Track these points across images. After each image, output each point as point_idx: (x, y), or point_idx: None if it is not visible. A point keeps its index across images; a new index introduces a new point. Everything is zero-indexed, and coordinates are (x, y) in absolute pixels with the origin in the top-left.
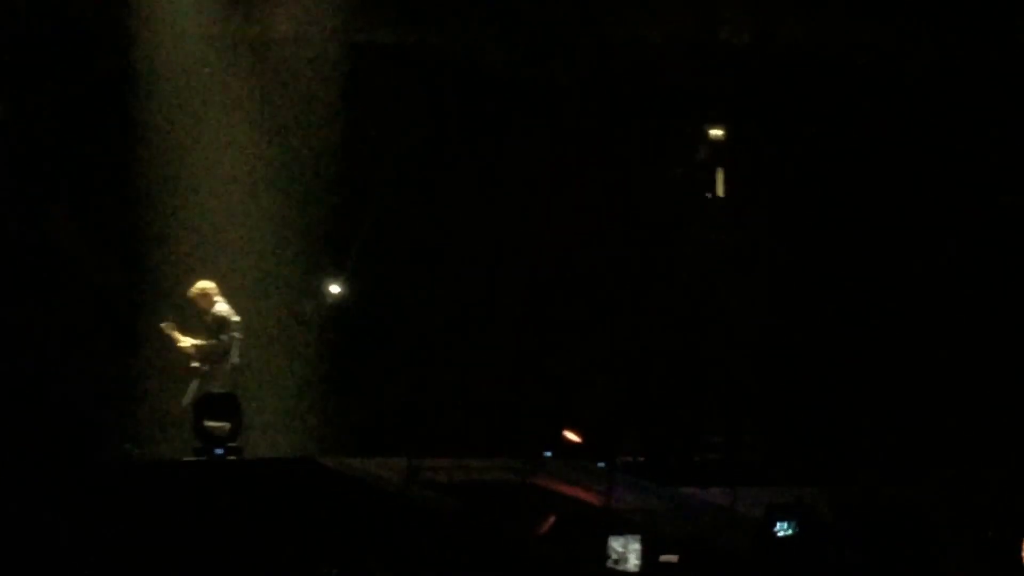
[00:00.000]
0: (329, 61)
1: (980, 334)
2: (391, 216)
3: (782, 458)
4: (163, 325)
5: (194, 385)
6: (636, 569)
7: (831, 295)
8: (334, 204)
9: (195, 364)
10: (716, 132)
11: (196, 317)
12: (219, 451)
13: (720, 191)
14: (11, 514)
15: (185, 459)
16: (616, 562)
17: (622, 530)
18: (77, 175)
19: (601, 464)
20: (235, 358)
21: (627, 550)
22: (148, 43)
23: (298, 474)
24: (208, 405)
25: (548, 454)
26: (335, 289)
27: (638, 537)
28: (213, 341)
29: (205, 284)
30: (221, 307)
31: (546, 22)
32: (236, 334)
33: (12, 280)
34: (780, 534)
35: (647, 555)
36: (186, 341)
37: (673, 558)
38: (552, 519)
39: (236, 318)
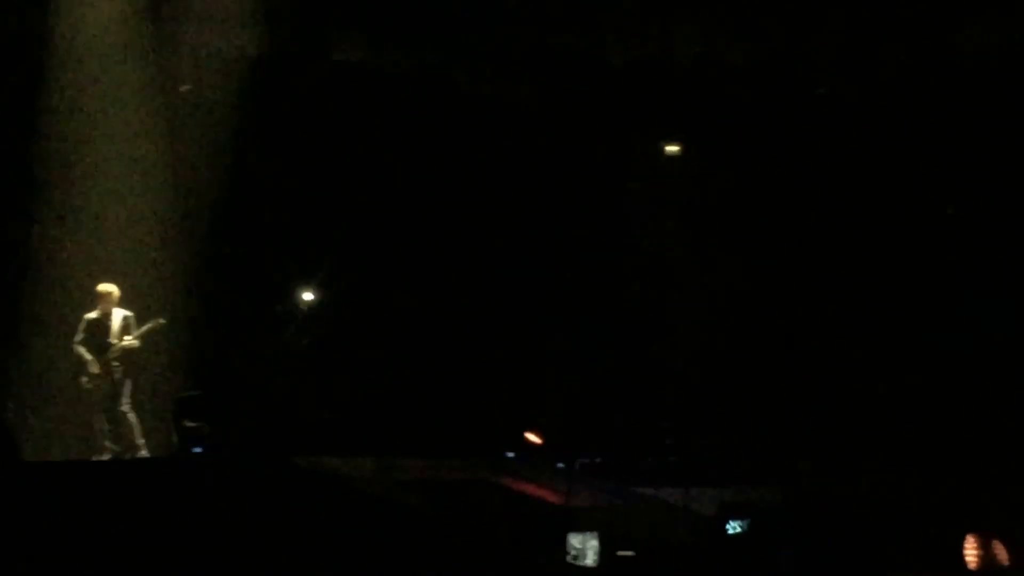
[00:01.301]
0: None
1: (932, 336)
2: (359, 221)
3: (734, 459)
4: (161, 321)
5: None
6: (594, 564)
7: (783, 300)
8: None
9: (94, 370)
10: (672, 149)
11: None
12: (197, 449)
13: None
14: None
15: (160, 457)
16: (575, 558)
17: (581, 527)
18: None
19: (561, 464)
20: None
21: (585, 546)
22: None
23: (270, 473)
24: (186, 405)
25: (510, 455)
26: (308, 296)
27: (596, 534)
28: (133, 342)
29: (113, 286)
30: (122, 311)
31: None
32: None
33: None
34: (731, 532)
35: (604, 551)
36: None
37: (629, 554)
38: (514, 516)
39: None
